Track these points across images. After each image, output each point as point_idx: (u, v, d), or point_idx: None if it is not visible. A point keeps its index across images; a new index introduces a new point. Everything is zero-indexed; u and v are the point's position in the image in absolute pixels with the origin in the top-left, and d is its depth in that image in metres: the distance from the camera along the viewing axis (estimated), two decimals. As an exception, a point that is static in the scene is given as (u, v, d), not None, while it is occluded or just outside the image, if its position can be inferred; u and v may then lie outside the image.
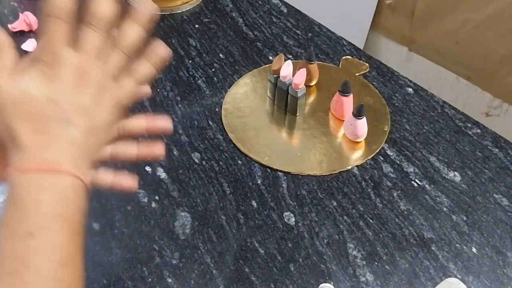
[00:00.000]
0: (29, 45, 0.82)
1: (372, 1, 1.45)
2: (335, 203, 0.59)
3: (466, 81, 1.33)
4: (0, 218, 0.33)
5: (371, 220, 0.57)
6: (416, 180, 0.62)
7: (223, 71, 0.78)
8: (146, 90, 0.45)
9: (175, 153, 0.65)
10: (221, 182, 0.62)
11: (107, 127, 0.39)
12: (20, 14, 0.86)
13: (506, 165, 0.64)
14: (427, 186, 0.61)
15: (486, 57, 1.24)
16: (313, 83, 0.75)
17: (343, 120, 0.68)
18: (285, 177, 0.62)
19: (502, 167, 0.63)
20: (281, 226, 0.57)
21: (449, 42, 1.31)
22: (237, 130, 0.68)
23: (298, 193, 0.60)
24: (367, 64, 0.79)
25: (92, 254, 0.54)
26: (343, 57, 0.80)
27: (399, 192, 0.61)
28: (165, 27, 0.88)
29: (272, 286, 0.51)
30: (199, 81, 0.76)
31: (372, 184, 0.61)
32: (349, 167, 0.64)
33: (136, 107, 0.71)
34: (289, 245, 0.55)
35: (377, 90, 0.74)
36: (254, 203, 0.59)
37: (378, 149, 0.66)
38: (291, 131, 0.69)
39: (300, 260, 0.53)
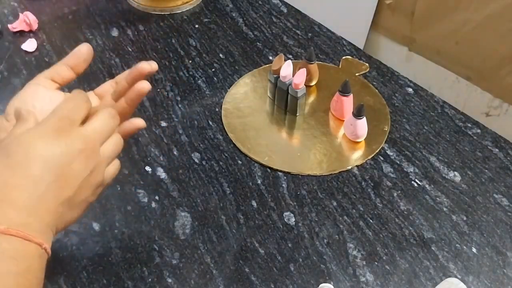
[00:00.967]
0: (29, 45, 0.82)
1: (372, 1, 1.44)
2: (335, 203, 0.59)
3: (466, 81, 1.33)
4: None
5: (371, 220, 0.57)
6: (416, 180, 0.62)
7: (223, 71, 0.78)
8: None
9: (175, 153, 0.65)
10: (221, 182, 0.62)
11: (85, 205, 0.40)
12: (20, 14, 0.86)
13: (506, 165, 0.64)
14: (427, 186, 0.61)
15: (486, 57, 1.24)
16: (313, 83, 0.75)
17: (343, 120, 0.68)
18: (285, 177, 0.62)
19: (502, 167, 0.63)
20: (281, 226, 0.57)
21: (449, 42, 1.31)
22: (237, 130, 0.68)
23: (298, 193, 0.60)
24: (367, 64, 0.79)
25: (92, 254, 0.54)
26: (343, 57, 0.80)
27: (399, 192, 0.61)
28: (165, 27, 0.88)
29: (272, 286, 0.51)
30: (199, 81, 0.76)
31: (372, 184, 0.61)
32: (349, 167, 0.64)
33: (136, 107, 0.71)
34: (289, 245, 0.55)
35: (377, 90, 0.74)
36: (254, 203, 0.59)
37: (378, 149, 0.66)
38: (291, 131, 0.69)
39: (300, 260, 0.53)
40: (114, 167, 0.43)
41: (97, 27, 0.87)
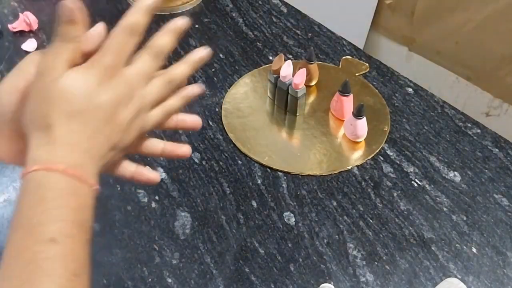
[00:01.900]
0: (29, 45, 0.82)
1: (372, 1, 1.45)
2: (335, 203, 0.59)
3: (466, 81, 1.33)
4: (16, 215, 0.32)
5: (371, 220, 0.57)
6: (416, 180, 0.62)
7: (223, 71, 0.78)
8: (196, 89, 0.47)
9: (175, 153, 0.65)
10: (221, 182, 0.62)
11: (127, 148, 0.40)
12: (20, 14, 0.86)
13: (506, 165, 0.64)
14: (427, 186, 0.61)
15: (486, 57, 1.24)
16: (313, 83, 0.75)
17: (343, 120, 0.68)
18: (285, 177, 0.62)
19: (502, 167, 0.63)
20: (281, 226, 0.57)
21: (449, 42, 1.31)
22: (237, 130, 0.68)
23: (298, 193, 0.60)
24: (367, 64, 0.79)
25: (92, 254, 0.54)
26: (343, 57, 0.80)
27: (399, 192, 0.61)
28: (165, 27, 0.87)
29: (272, 286, 0.51)
30: (199, 81, 0.76)
31: (372, 184, 0.61)
32: (349, 167, 0.63)
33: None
34: (289, 245, 0.55)
35: (377, 90, 0.74)
36: (254, 203, 0.59)
37: (378, 149, 0.66)
38: (291, 131, 0.69)
39: (300, 260, 0.53)
40: (158, 111, 0.42)
41: (97, 27, 0.87)
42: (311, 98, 0.74)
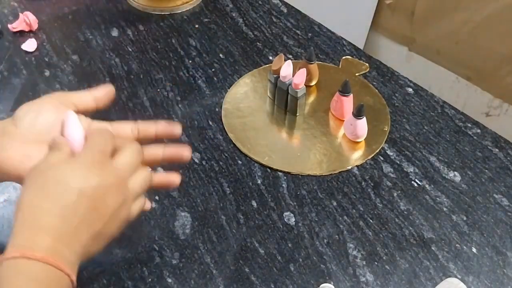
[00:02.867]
0: (29, 45, 0.82)
1: (372, 1, 1.45)
2: (335, 203, 0.59)
3: (466, 81, 1.33)
4: None
5: (371, 220, 0.57)
6: (416, 180, 0.62)
7: (223, 71, 0.78)
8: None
9: (175, 153, 0.65)
10: (221, 182, 0.62)
11: (108, 239, 0.40)
12: (20, 14, 0.86)
13: (506, 165, 0.64)
14: (427, 186, 0.61)
15: (486, 57, 1.24)
16: (313, 83, 0.75)
17: (343, 120, 0.68)
18: (285, 177, 0.62)
19: (502, 167, 0.63)
20: (281, 226, 0.57)
21: (449, 42, 1.31)
22: (237, 130, 0.68)
23: (298, 193, 0.60)
24: (367, 64, 0.79)
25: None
26: (343, 57, 0.80)
27: (399, 192, 0.61)
28: (165, 27, 0.88)
29: (272, 286, 0.51)
30: (199, 81, 0.76)
31: (372, 184, 0.61)
32: (349, 167, 0.64)
33: (136, 107, 0.71)
34: (289, 245, 0.55)
35: (377, 90, 0.74)
36: (254, 203, 0.59)
37: (378, 149, 0.66)
38: (291, 131, 0.69)
39: (300, 260, 0.53)
40: (140, 203, 0.43)
41: (97, 27, 0.87)
42: (311, 98, 0.74)
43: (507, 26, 1.16)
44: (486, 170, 0.63)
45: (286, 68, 0.67)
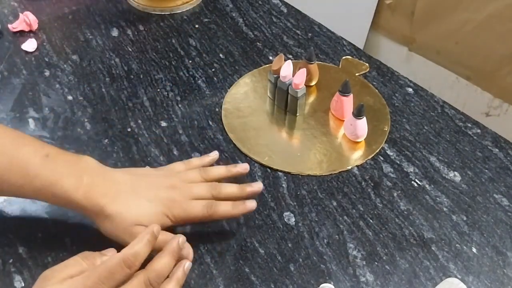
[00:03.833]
0: (29, 45, 0.82)
1: (372, 1, 1.45)
2: (335, 203, 0.59)
3: (466, 81, 1.33)
4: None
5: (371, 220, 0.57)
6: (416, 180, 0.62)
7: (223, 71, 0.78)
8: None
9: (175, 153, 0.65)
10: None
11: None
12: (20, 14, 0.86)
13: (506, 165, 0.64)
14: (427, 186, 0.61)
15: (486, 57, 1.24)
16: (313, 83, 0.75)
17: (343, 120, 0.68)
18: (285, 177, 0.62)
19: (502, 167, 0.63)
20: (281, 226, 0.57)
21: (449, 42, 1.31)
22: (237, 130, 0.68)
23: (298, 193, 0.60)
24: (367, 64, 0.79)
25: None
26: (343, 57, 0.80)
27: (399, 192, 0.61)
28: (165, 27, 0.88)
29: (272, 286, 0.51)
30: (199, 81, 0.76)
31: (372, 184, 0.61)
32: (349, 167, 0.64)
33: (136, 107, 0.71)
34: (289, 245, 0.55)
35: (377, 90, 0.74)
36: (254, 203, 0.59)
37: (378, 149, 0.66)
38: (291, 131, 0.69)
39: (300, 260, 0.53)
40: None
41: (97, 27, 0.87)
42: (311, 98, 0.74)
43: (507, 26, 1.16)
44: (486, 170, 0.63)
45: (286, 68, 0.67)
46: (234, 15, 0.91)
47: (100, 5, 0.93)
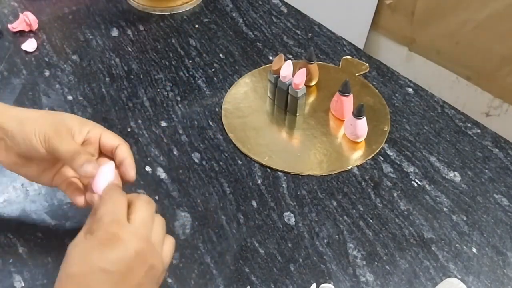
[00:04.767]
0: (29, 45, 0.82)
1: (372, 1, 1.44)
2: (335, 203, 0.59)
3: (466, 81, 1.33)
4: None
5: (371, 220, 0.57)
6: (416, 180, 0.62)
7: (223, 71, 0.78)
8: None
9: (175, 153, 0.65)
10: (221, 182, 0.62)
11: None
12: (20, 14, 0.86)
13: (506, 165, 0.64)
14: (427, 186, 0.61)
15: (486, 57, 1.24)
16: (313, 83, 0.75)
17: (343, 120, 0.68)
18: (285, 177, 0.62)
19: (502, 167, 0.63)
20: (281, 226, 0.57)
21: (449, 42, 1.30)
22: (237, 130, 0.68)
23: (298, 193, 0.60)
24: (367, 64, 0.79)
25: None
26: (343, 57, 0.80)
27: (399, 192, 0.61)
28: (165, 27, 0.88)
29: (272, 286, 0.51)
30: (199, 81, 0.76)
31: (372, 184, 0.61)
32: (349, 167, 0.63)
33: (136, 107, 0.71)
34: (289, 245, 0.55)
35: (377, 90, 0.74)
36: (254, 203, 0.59)
37: (378, 149, 0.66)
38: (291, 131, 0.69)
39: (300, 260, 0.53)
40: (168, 246, 0.43)
41: (97, 27, 0.87)
42: (311, 98, 0.74)
43: (507, 26, 1.16)
44: (486, 170, 0.63)
45: (286, 68, 0.67)
46: (234, 15, 0.91)
47: (100, 5, 0.93)
